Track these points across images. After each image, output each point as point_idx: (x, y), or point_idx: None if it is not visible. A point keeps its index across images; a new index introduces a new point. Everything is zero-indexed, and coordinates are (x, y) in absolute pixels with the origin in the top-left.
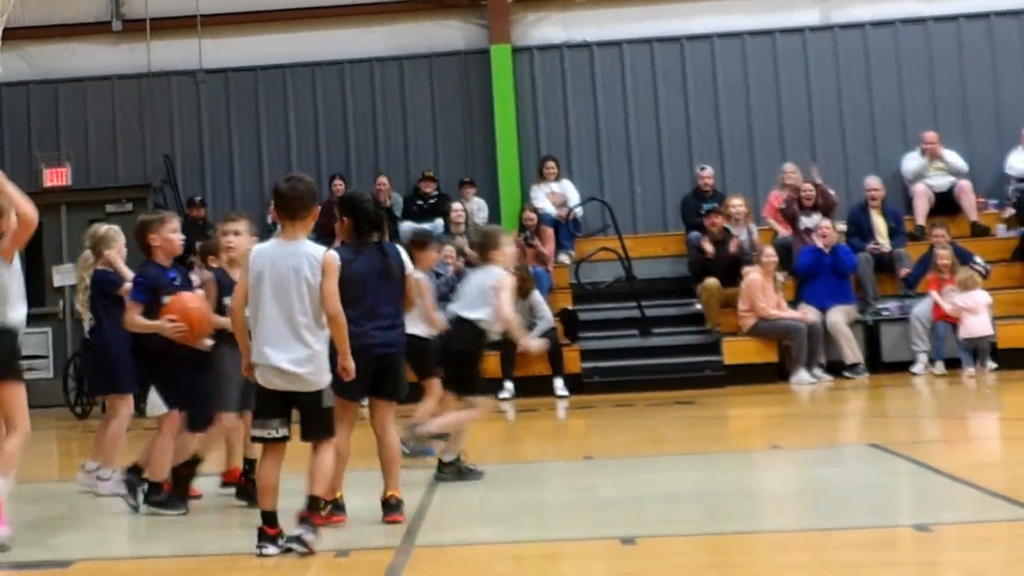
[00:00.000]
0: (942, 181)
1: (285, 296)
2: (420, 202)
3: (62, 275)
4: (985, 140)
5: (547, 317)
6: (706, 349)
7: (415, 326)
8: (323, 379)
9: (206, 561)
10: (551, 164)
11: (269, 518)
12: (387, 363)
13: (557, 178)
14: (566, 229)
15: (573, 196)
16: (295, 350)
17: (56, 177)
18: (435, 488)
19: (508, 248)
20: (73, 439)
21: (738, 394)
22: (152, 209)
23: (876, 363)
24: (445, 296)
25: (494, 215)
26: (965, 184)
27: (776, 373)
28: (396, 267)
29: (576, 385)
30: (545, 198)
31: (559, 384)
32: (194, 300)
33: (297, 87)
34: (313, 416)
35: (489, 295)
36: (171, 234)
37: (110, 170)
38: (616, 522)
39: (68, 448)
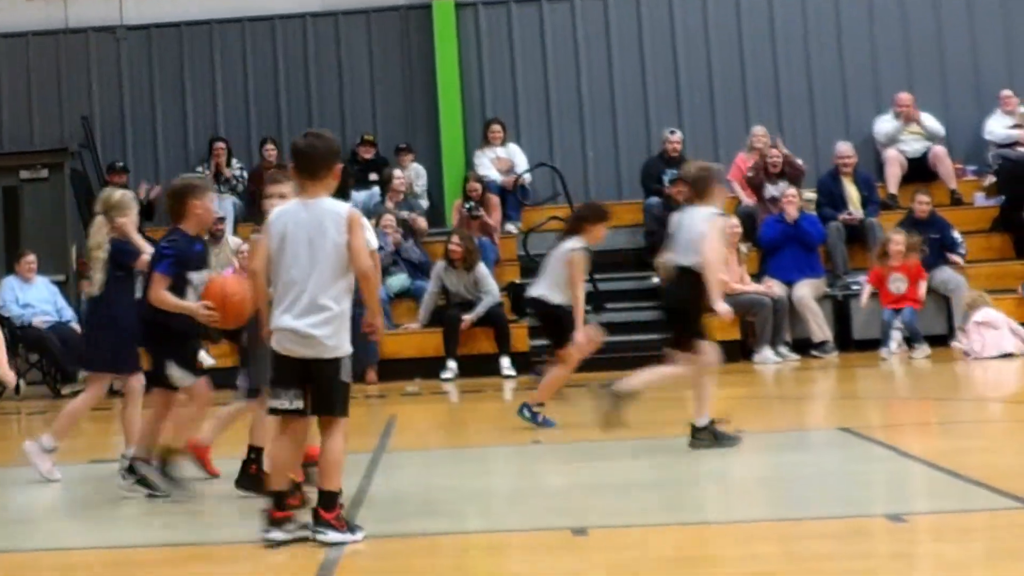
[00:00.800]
0: (916, 146)
1: (307, 258)
2: (358, 168)
3: None
4: (963, 103)
5: (493, 292)
6: (663, 326)
7: (553, 294)
8: (342, 346)
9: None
10: (497, 127)
11: (277, 500)
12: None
13: (503, 142)
14: (513, 197)
15: (521, 162)
16: (314, 313)
17: None
18: (373, 475)
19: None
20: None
21: None
22: (72, 175)
23: (846, 341)
24: (386, 269)
25: (436, 182)
26: (941, 150)
27: (738, 351)
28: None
29: (524, 364)
30: (490, 164)
31: (506, 363)
32: (235, 285)
33: (225, 45)
34: (327, 387)
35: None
36: (211, 204)
37: (24, 134)
38: (567, 512)
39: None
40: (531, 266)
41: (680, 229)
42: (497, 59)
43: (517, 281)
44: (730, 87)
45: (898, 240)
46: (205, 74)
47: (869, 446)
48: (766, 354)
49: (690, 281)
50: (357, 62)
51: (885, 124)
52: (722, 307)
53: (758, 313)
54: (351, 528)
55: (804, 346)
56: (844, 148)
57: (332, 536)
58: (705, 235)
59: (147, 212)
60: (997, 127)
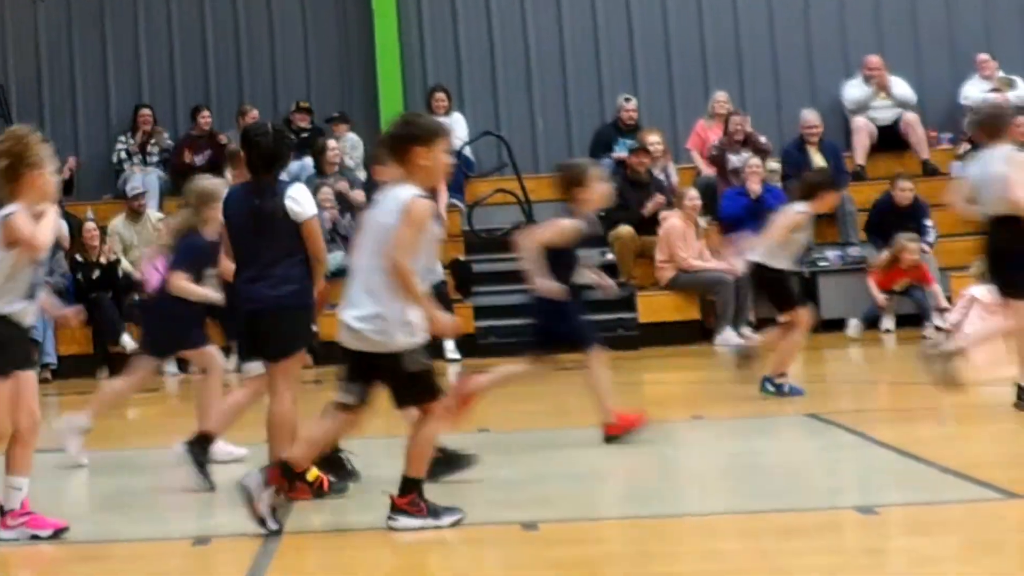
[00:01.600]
0: (886, 114)
1: (367, 246)
2: (292, 137)
3: None
4: (936, 66)
5: (435, 270)
6: (618, 305)
7: (774, 258)
8: (393, 339)
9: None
10: (440, 95)
11: (284, 466)
12: (254, 322)
13: (447, 111)
14: (457, 169)
15: (463, 131)
16: (364, 305)
17: None
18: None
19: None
20: None
21: (655, 356)
22: None
23: (813, 320)
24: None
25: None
26: (912, 117)
27: (698, 332)
28: (271, 211)
29: (469, 347)
30: None
31: (449, 346)
32: None
33: (150, 7)
34: (395, 381)
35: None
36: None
37: None
38: (516, 505)
39: None
40: (476, 242)
41: (979, 175)
42: (439, 21)
43: (462, 258)
44: (688, 54)
45: (912, 248)
46: (128, 39)
47: (838, 433)
48: (728, 335)
49: (1009, 228)
50: (290, 26)
51: (854, 90)
52: None
53: (719, 292)
54: (434, 512)
55: (768, 326)
56: (810, 116)
57: (405, 522)
58: (1007, 177)
59: (67, 187)
60: (974, 91)
